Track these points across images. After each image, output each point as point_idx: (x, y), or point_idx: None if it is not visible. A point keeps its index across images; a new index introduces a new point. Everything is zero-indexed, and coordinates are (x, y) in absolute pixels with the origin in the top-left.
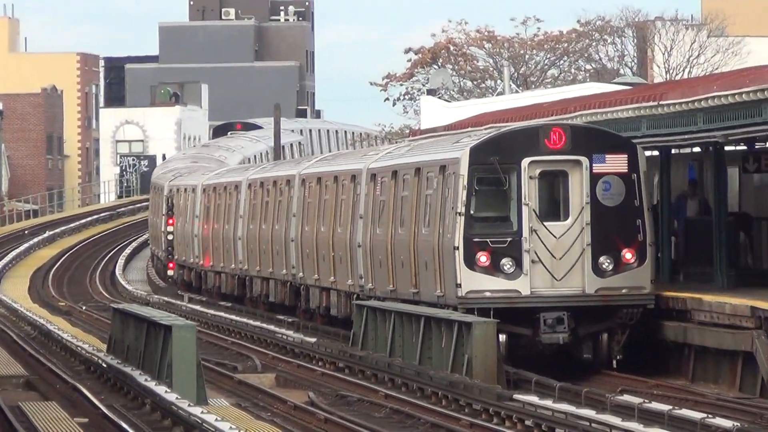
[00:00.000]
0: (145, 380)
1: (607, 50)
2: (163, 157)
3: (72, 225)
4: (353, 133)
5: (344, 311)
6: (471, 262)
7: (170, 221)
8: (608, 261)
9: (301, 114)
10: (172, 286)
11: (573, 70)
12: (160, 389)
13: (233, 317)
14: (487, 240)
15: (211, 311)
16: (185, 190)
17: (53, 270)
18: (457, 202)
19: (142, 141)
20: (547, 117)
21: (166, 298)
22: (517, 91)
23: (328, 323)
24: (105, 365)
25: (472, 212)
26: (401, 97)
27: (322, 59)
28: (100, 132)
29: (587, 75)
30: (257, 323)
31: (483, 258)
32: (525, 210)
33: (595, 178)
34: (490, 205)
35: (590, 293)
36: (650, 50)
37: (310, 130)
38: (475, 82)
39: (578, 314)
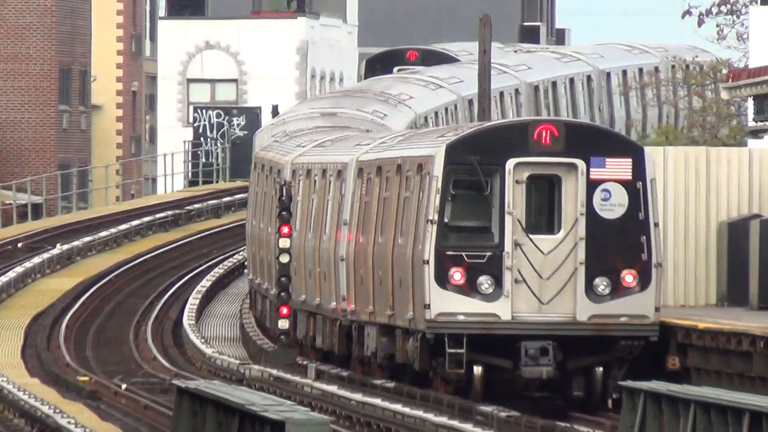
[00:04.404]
0: None
1: None
2: (274, 111)
3: (103, 234)
4: (624, 72)
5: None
6: (443, 280)
7: (285, 229)
8: (605, 283)
9: (530, 36)
10: (286, 351)
11: None
12: None
13: (398, 408)
14: (463, 254)
15: (358, 396)
16: (323, 171)
17: (69, 316)
18: (429, 208)
19: (235, 81)
20: None
21: (274, 372)
22: None
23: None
24: None
25: (446, 220)
26: (713, 11)
27: None
28: (158, 64)
29: None
30: (442, 419)
31: (457, 275)
32: (508, 220)
33: (592, 185)
34: (467, 212)
35: (582, 320)
36: None
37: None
38: None
39: (567, 345)
